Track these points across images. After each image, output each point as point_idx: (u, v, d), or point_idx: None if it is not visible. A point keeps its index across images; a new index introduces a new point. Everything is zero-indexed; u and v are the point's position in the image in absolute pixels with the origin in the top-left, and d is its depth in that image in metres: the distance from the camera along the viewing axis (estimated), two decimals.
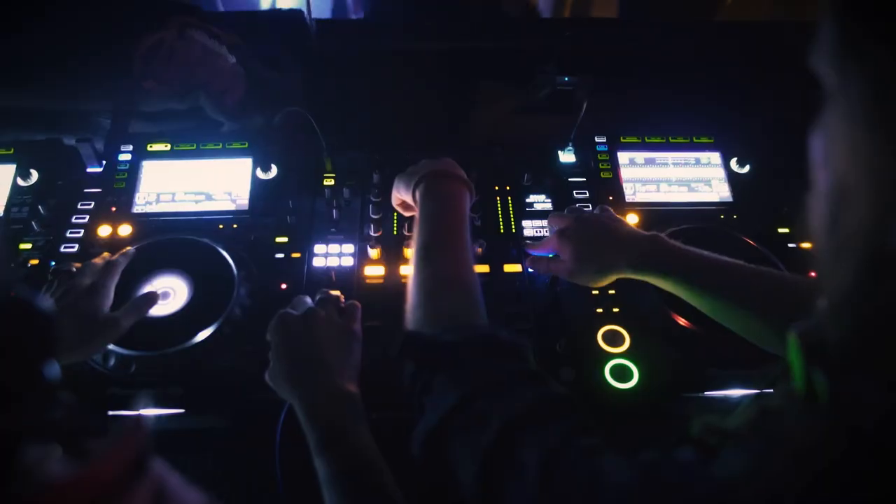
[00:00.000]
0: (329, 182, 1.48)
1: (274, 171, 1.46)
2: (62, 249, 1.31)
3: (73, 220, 1.37)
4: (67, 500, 0.40)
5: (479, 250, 1.31)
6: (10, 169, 1.43)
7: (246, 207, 1.41)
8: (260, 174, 1.45)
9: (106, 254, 1.21)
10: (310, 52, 1.75)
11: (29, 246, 1.32)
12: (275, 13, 1.85)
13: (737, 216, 1.45)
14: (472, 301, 0.89)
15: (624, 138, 1.57)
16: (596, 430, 0.66)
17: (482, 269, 1.31)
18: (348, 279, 1.30)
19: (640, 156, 1.54)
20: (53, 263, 1.28)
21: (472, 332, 0.79)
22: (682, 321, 1.19)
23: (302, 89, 1.71)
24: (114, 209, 1.39)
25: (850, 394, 0.45)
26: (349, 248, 1.35)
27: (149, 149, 1.49)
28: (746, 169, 1.51)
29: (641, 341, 1.22)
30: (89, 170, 1.46)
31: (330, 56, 1.79)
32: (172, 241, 1.31)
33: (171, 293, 1.22)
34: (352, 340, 1.07)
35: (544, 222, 1.41)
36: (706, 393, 1.17)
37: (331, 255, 1.34)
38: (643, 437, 0.67)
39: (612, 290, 1.29)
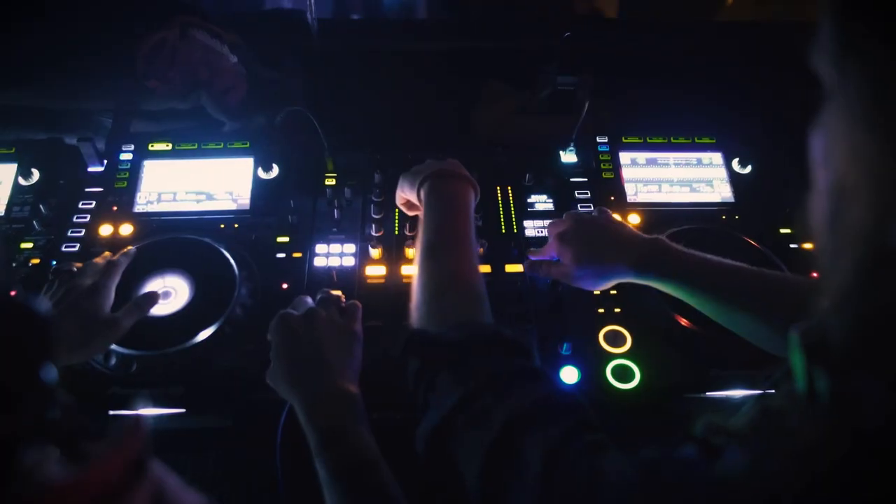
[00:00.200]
0: (330, 182, 1.48)
1: (275, 170, 1.46)
2: (63, 249, 1.31)
3: (75, 219, 1.37)
4: (67, 502, 0.40)
5: (481, 250, 1.31)
6: (12, 168, 1.43)
7: (247, 207, 1.41)
8: (261, 174, 1.45)
9: (107, 253, 1.21)
10: (311, 51, 1.76)
11: (30, 245, 1.32)
12: (277, 13, 1.85)
13: (738, 216, 1.44)
14: (476, 299, 0.89)
15: (625, 138, 1.56)
16: (598, 429, 0.66)
17: (484, 269, 1.31)
18: (349, 279, 1.30)
19: (641, 156, 1.53)
20: (54, 263, 1.28)
21: (476, 329, 0.79)
22: (683, 321, 1.19)
23: (303, 89, 1.71)
24: (115, 209, 1.39)
25: (851, 394, 0.45)
26: (350, 247, 1.35)
27: (150, 148, 1.49)
28: (748, 169, 1.51)
29: (643, 342, 1.22)
30: (90, 169, 1.46)
31: (332, 55, 1.79)
32: (173, 241, 1.31)
33: (172, 293, 1.22)
34: (353, 340, 1.06)
35: (546, 222, 1.41)
36: (708, 393, 1.17)
37: (332, 255, 1.34)
38: (645, 437, 0.67)
39: (613, 290, 1.29)
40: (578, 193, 1.48)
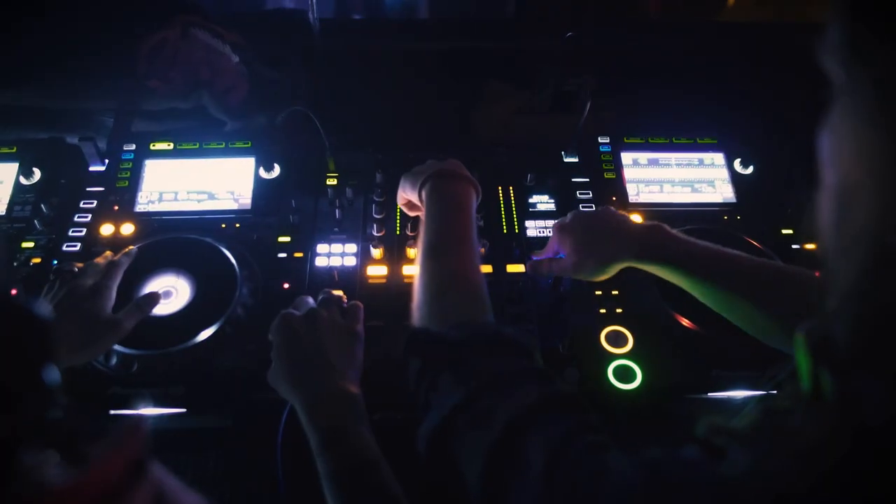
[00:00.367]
0: (332, 182, 1.48)
1: (277, 170, 1.46)
2: (64, 248, 1.31)
3: (76, 218, 1.37)
4: None
5: (483, 250, 1.31)
6: (13, 167, 1.43)
7: (248, 207, 1.41)
8: (263, 173, 1.45)
9: (108, 253, 1.20)
10: (313, 51, 1.75)
11: (31, 244, 1.32)
12: (278, 12, 1.84)
13: (740, 217, 1.44)
14: (478, 299, 0.89)
15: (627, 139, 1.56)
16: (600, 429, 0.66)
17: (485, 269, 1.31)
18: (351, 279, 1.30)
19: (643, 156, 1.53)
20: (56, 263, 1.28)
21: (478, 329, 0.79)
22: (685, 322, 1.19)
23: (305, 88, 1.71)
24: (116, 208, 1.39)
25: (856, 393, 0.45)
26: (352, 247, 1.35)
27: (151, 148, 1.49)
28: (750, 170, 1.51)
29: (645, 342, 1.21)
30: (92, 168, 1.46)
31: (333, 55, 1.78)
32: (175, 241, 1.31)
33: (173, 292, 1.22)
34: (354, 341, 1.06)
35: (548, 222, 1.41)
36: (709, 394, 1.17)
37: (333, 255, 1.34)
38: (646, 438, 0.67)
39: (615, 290, 1.29)
40: (580, 194, 1.47)
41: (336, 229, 1.39)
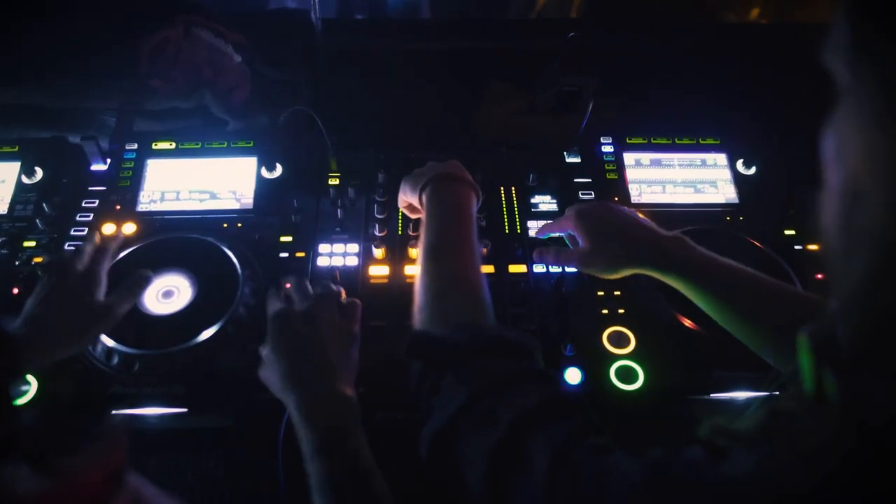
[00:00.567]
0: (334, 181, 1.48)
1: (279, 170, 1.46)
2: (66, 247, 1.31)
3: (78, 218, 1.37)
4: None
5: (485, 251, 1.31)
6: (15, 166, 1.43)
7: (250, 206, 1.41)
8: (265, 173, 1.45)
9: (96, 236, 1.19)
10: (315, 51, 1.75)
11: (33, 244, 1.31)
12: (280, 12, 1.85)
13: (743, 218, 1.44)
14: (479, 302, 0.89)
15: (630, 139, 1.56)
16: (602, 431, 0.66)
17: (487, 269, 1.31)
18: (353, 279, 1.30)
19: (645, 157, 1.53)
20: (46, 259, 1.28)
21: (480, 331, 0.79)
22: (687, 323, 1.19)
23: (307, 88, 1.71)
24: (118, 207, 1.39)
25: (860, 393, 0.45)
26: (354, 247, 1.35)
27: (154, 147, 1.49)
28: (753, 170, 1.51)
29: (647, 343, 1.21)
30: (94, 168, 1.46)
31: (335, 55, 1.79)
32: (176, 240, 1.31)
33: (174, 291, 1.22)
34: (352, 342, 1.06)
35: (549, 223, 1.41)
36: (712, 395, 1.17)
37: (335, 255, 1.34)
38: (648, 438, 0.66)
39: (617, 290, 1.29)
40: (582, 194, 1.47)
41: (338, 229, 1.38)
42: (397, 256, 1.34)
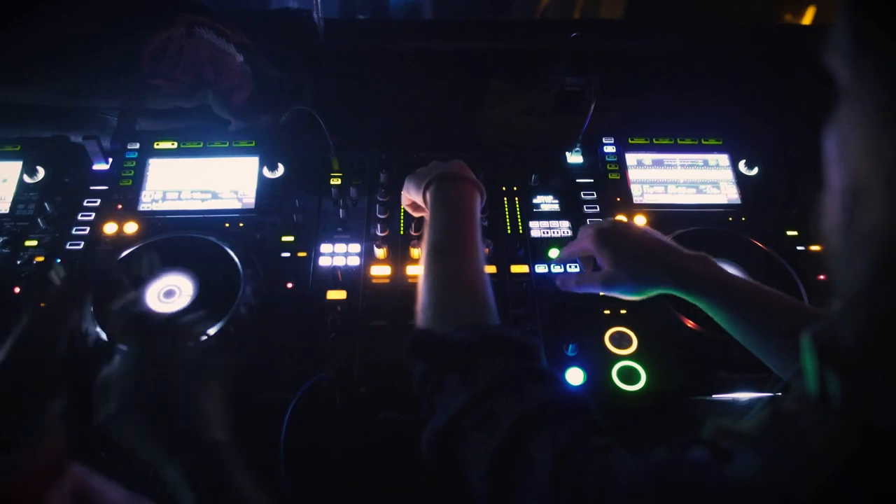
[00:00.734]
0: (336, 181, 1.47)
1: (281, 169, 1.46)
2: (68, 247, 1.31)
3: (79, 217, 1.37)
4: None
5: (487, 251, 1.31)
6: (17, 165, 1.43)
7: (252, 206, 1.41)
8: (266, 173, 1.45)
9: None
10: (317, 51, 1.75)
11: (35, 243, 1.31)
12: (283, 12, 1.85)
13: (745, 218, 1.44)
14: (482, 301, 0.89)
15: (632, 140, 1.56)
16: (605, 431, 0.66)
17: (489, 269, 1.30)
18: (354, 279, 1.30)
19: (647, 157, 1.53)
20: (59, 260, 1.28)
21: (483, 331, 0.79)
22: (689, 323, 1.19)
23: (309, 88, 1.71)
24: (120, 207, 1.39)
25: (863, 394, 0.45)
26: (355, 247, 1.35)
27: (155, 147, 1.49)
28: (755, 171, 1.50)
29: (649, 343, 1.21)
30: (96, 167, 1.46)
31: (337, 55, 1.78)
32: (178, 240, 1.31)
33: (176, 291, 1.22)
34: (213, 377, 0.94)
35: (552, 223, 1.41)
36: (714, 396, 1.16)
37: (337, 255, 1.33)
38: (651, 439, 0.66)
39: None
40: (584, 194, 1.47)
41: (340, 229, 1.38)
42: (399, 256, 1.34)
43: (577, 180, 1.50)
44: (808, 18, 2.04)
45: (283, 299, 1.25)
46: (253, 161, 1.47)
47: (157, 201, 1.41)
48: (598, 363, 1.18)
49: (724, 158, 1.53)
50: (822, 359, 0.48)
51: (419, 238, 1.32)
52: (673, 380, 1.17)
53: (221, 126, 1.59)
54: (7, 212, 1.37)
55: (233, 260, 1.25)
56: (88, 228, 1.35)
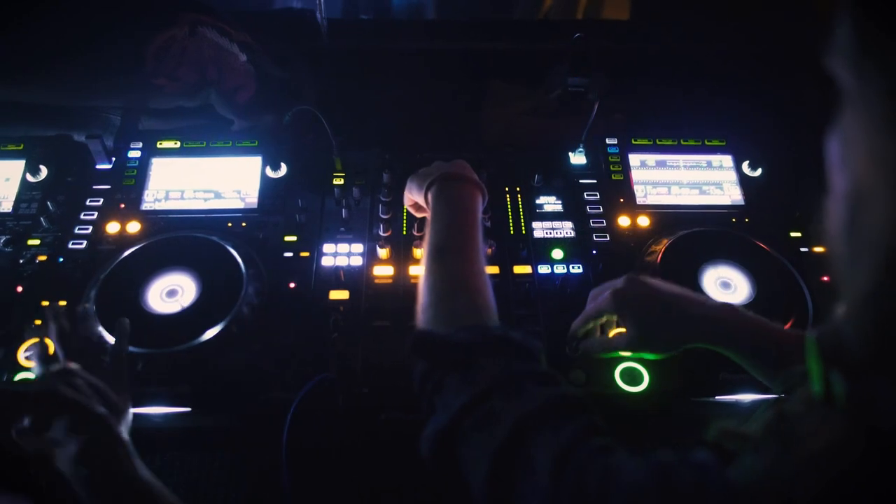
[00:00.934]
0: (339, 181, 1.47)
1: (283, 169, 1.46)
2: (70, 246, 1.31)
3: (82, 216, 1.37)
4: None
5: (490, 251, 1.31)
6: (20, 164, 1.43)
7: (255, 206, 1.41)
8: (269, 172, 1.45)
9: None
10: (321, 50, 1.75)
11: (37, 242, 1.31)
12: (286, 12, 1.84)
13: (748, 220, 1.43)
14: (483, 302, 0.88)
15: (635, 140, 1.56)
16: (606, 432, 0.65)
17: (492, 270, 1.30)
18: (357, 279, 1.30)
19: (651, 158, 1.53)
20: (61, 260, 1.28)
21: (485, 332, 0.79)
22: None
23: (312, 88, 1.71)
24: (123, 206, 1.39)
25: (869, 396, 0.45)
26: (358, 247, 1.35)
27: (158, 146, 1.49)
28: (758, 172, 1.50)
29: None
30: (99, 166, 1.46)
31: (341, 55, 1.78)
32: (181, 239, 1.31)
33: (178, 291, 1.22)
34: (120, 412, 0.96)
35: (555, 224, 1.40)
36: (717, 397, 1.16)
37: (340, 255, 1.33)
38: (654, 441, 0.66)
39: None
40: (587, 195, 1.47)
41: (342, 229, 1.38)
42: (402, 256, 1.34)
43: (580, 181, 1.50)
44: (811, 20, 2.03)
45: (285, 299, 1.25)
46: (256, 161, 1.47)
47: (159, 201, 1.41)
48: (601, 364, 1.17)
49: (727, 159, 1.53)
50: (828, 361, 0.48)
51: (422, 238, 1.31)
52: (676, 381, 1.16)
53: (224, 125, 1.59)
54: (10, 211, 1.37)
55: (235, 260, 1.25)
56: (91, 228, 1.35)
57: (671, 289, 1.04)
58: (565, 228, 1.41)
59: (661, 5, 1.94)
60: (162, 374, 1.13)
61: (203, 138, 1.51)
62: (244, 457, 1.19)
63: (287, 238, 1.35)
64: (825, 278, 1.30)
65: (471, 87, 1.84)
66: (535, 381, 0.72)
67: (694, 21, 1.89)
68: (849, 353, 0.47)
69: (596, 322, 1.13)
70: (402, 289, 1.28)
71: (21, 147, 1.47)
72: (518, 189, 1.48)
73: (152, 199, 1.41)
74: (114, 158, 1.47)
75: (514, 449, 0.64)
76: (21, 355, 1.14)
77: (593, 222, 1.41)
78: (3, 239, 1.30)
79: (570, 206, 1.45)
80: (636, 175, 1.50)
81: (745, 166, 1.51)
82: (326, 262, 1.32)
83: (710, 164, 1.52)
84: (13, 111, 1.53)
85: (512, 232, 1.40)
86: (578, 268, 1.33)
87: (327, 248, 1.35)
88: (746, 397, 1.15)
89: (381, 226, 1.38)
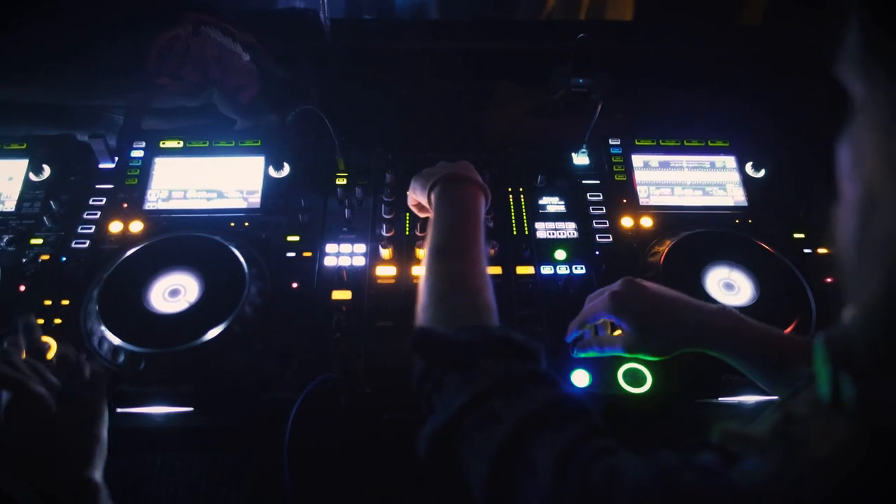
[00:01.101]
0: (341, 181, 1.47)
1: (286, 169, 1.46)
2: (73, 245, 1.31)
3: (85, 216, 1.37)
4: None
5: (493, 251, 1.31)
6: (23, 164, 1.43)
7: (258, 205, 1.41)
8: (272, 172, 1.45)
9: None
10: (324, 50, 1.75)
11: (40, 241, 1.31)
12: (289, 12, 1.84)
13: (752, 221, 1.43)
14: (484, 303, 0.88)
15: (638, 141, 1.55)
16: (607, 433, 0.65)
17: (495, 270, 1.30)
18: (359, 279, 1.29)
19: (654, 159, 1.52)
20: (64, 259, 1.28)
21: (485, 332, 0.79)
22: None
23: (315, 88, 1.71)
24: (125, 205, 1.39)
25: (878, 399, 0.45)
26: (361, 247, 1.35)
27: (161, 145, 1.49)
28: (762, 173, 1.50)
29: None
30: (102, 166, 1.46)
31: (344, 55, 1.78)
32: (183, 239, 1.31)
33: (181, 290, 1.22)
34: (97, 421, 0.98)
35: (557, 224, 1.40)
36: (720, 399, 1.16)
37: (342, 255, 1.33)
38: (657, 442, 0.66)
39: None
40: (590, 196, 1.46)
41: (345, 229, 1.38)
42: (404, 257, 1.34)
43: (583, 181, 1.50)
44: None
45: (288, 299, 1.25)
46: (259, 160, 1.47)
47: (162, 200, 1.41)
48: (604, 365, 1.17)
49: (730, 160, 1.53)
50: (837, 364, 0.47)
51: (424, 239, 1.31)
52: (679, 382, 1.16)
53: (227, 125, 1.59)
54: (13, 210, 1.37)
55: (238, 259, 1.25)
56: (94, 227, 1.35)
57: (667, 292, 1.05)
58: (568, 229, 1.41)
59: (665, 6, 1.94)
60: (164, 373, 1.13)
61: (206, 138, 1.51)
62: (246, 457, 1.19)
63: (290, 238, 1.35)
64: (829, 280, 1.30)
65: (474, 88, 1.84)
66: (535, 383, 0.72)
67: (697, 22, 1.89)
68: (858, 357, 0.47)
69: (593, 323, 1.13)
70: (405, 289, 1.28)
71: (24, 146, 1.47)
72: (521, 189, 1.48)
73: (155, 198, 1.41)
74: (117, 158, 1.47)
75: (515, 449, 0.64)
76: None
77: (596, 223, 1.41)
78: (7, 238, 1.30)
79: (573, 206, 1.45)
80: (639, 176, 1.50)
81: (749, 167, 1.51)
82: (329, 262, 1.32)
83: (713, 165, 1.52)
84: (17, 111, 1.53)
85: (515, 232, 1.40)
86: (581, 269, 1.33)
87: (330, 248, 1.34)
88: (750, 399, 1.15)
89: (384, 226, 1.38)
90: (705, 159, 1.53)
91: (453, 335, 0.79)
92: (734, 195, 1.48)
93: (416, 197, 1.18)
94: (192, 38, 1.44)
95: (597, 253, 1.36)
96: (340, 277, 1.28)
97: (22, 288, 1.24)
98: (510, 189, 1.48)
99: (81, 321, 1.19)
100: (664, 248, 1.31)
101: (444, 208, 1.05)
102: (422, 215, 1.29)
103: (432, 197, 1.09)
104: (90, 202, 1.39)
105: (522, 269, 1.33)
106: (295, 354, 1.17)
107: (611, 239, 1.39)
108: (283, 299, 1.25)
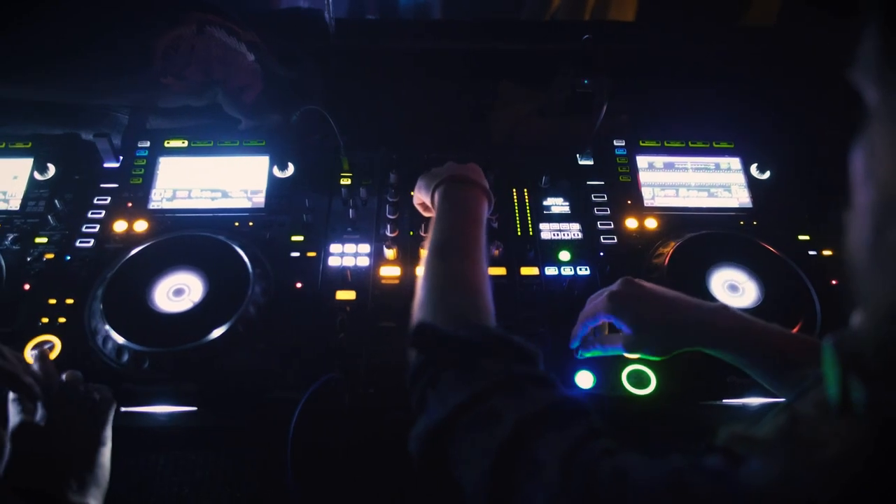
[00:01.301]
0: (346, 181, 1.47)
1: (291, 169, 1.46)
2: (77, 244, 1.31)
3: (89, 215, 1.37)
4: None
5: (497, 252, 1.30)
6: (28, 163, 1.43)
7: (262, 205, 1.41)
8: (277, 172, 1.45)
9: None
10: (328, 50, 1.75)
11: (45, 240, 1.32)
12: (294, 11, 1.85)
13: (756, 222, 1.43)
14: (482, 303, 0.88)
15: (643, 142, 1.55)
16: (607, 434, 0.65)
17: (499, 271, 1.30)
18: (364, 279, 1.29)
19: (659, 160, 1.52)
20: (69, 258, 1.28)
21: (486, 332, 0.79)
22: None
23: (320, 88, 1.71)
24: (130, 205, 1.39)
25: (889, 402, 0.45)
26: (365, 247, 1.35)
27: (166, 145, 1.49)
28: (767, 175, 1.49)
29: None
30: (106, 165, 1.46)
31: (348, 55, 1.78)
32: (187, 238, 1.31)
33: (185, 290, 1.22)
34: (99, 448, 0.99)
35: (562, 225, 1.40)
36: (724, 401, 1.16)
37: (346, 255, 1.33)
38: (661, 444, 0.66)
39: None
40: (595, 197, 1.46)
41: (349, 229, 1.38)
42: (409, 257, 1.33)
43: (588, 182, 1.50)
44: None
45: (292, 299, 1.25)
46: (263, 160, 1.47)
47: (167, 199, 1.41)
48: (608, 366, 1.17)
49: (735, 162, 1.53)
50: (846, 366, 0.47)
51: (427, 238, 1.31)
52: (683, 384, 1.16)
53: (232, 125, 1.60)
54: (18, 209, 1.37)
55: (242, 259, 1.25)
56: (98, 226, 1.35)
57: (666, 292, 1.05)
58: (573, 230, 1.40)
59: (669, 6, 1.94)
60: (168, 372, 1.13)
61: (210, 137, 1.51)
62: (249, 456, 1.19)
63: (294, 238, 1.35)
64: (834, 281, 1.29)
65: (478, 88, 1.84)
66: (535, 384, 0.71)
67: (699, 23, 1.89)
68: (869, 360, 0.47)
69: (593, 325, 1.13)
70: (409, 289, 1.28)
71: (29, 145, 1.47)
72: (525, 190, 1.47)
73: (160, 197, 1.41)
74: (121, 157, 1.47)
75: (517, 449, 0.64)
76: (28, 353, 1.14)
77: (601, 224, 1.41)
78: (11, 237, 1.31)
79: (577, 207, 1.45)
80: (644, 177, 1.49)
81: (754, 169, 1.51)
82: (333, 262, 1.32)
83: (718, 167, 1.52)
84: (22, 110, 1.53)
85: (519, 233, 1.40)
86: (586, 269, 1.33)
87: (334, 248, 1.34)
88: (754, 401, 1.15)
89: (388, 226, 1.38)
90: (710, 160, 1.53)
91: (453, 332, 0.79)
92: (739, 197, 1.48)
93: (421, 196, 1.18)
94: (196, 38, 1.44)
95: (601, 254, 1.36)
96: (344, 277, 1.28)
97: (26, 287, 1.24)
98: (514, 190, 1.47)
99: (86, 320, 1.19)
100: (669, 249, 1.31)
101: (447, 208, 1.05)
102: (426, 215, 1.29)
103: (436, 196, 1.09)
104: (95, 201, 1.39)
105: (527, 270, 1.32)
106: (298, 354, 1.17)
107: (615, 240, 1.38)
108: (286, 299, 1.25)
